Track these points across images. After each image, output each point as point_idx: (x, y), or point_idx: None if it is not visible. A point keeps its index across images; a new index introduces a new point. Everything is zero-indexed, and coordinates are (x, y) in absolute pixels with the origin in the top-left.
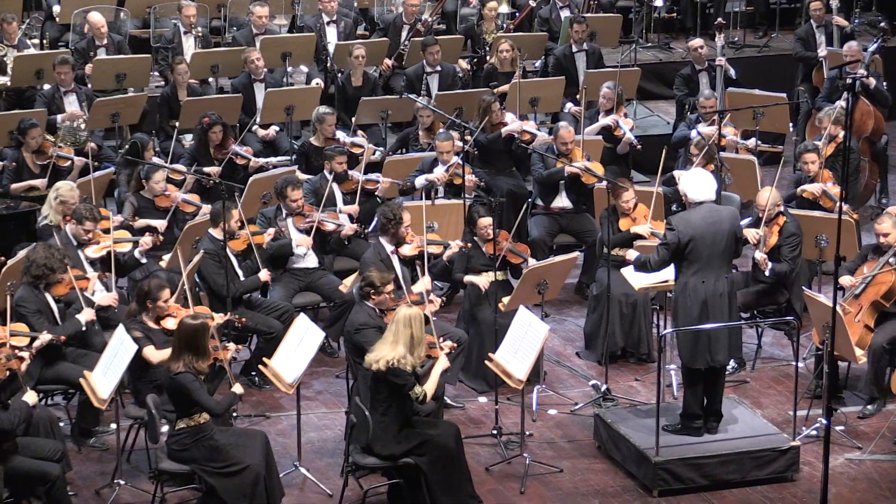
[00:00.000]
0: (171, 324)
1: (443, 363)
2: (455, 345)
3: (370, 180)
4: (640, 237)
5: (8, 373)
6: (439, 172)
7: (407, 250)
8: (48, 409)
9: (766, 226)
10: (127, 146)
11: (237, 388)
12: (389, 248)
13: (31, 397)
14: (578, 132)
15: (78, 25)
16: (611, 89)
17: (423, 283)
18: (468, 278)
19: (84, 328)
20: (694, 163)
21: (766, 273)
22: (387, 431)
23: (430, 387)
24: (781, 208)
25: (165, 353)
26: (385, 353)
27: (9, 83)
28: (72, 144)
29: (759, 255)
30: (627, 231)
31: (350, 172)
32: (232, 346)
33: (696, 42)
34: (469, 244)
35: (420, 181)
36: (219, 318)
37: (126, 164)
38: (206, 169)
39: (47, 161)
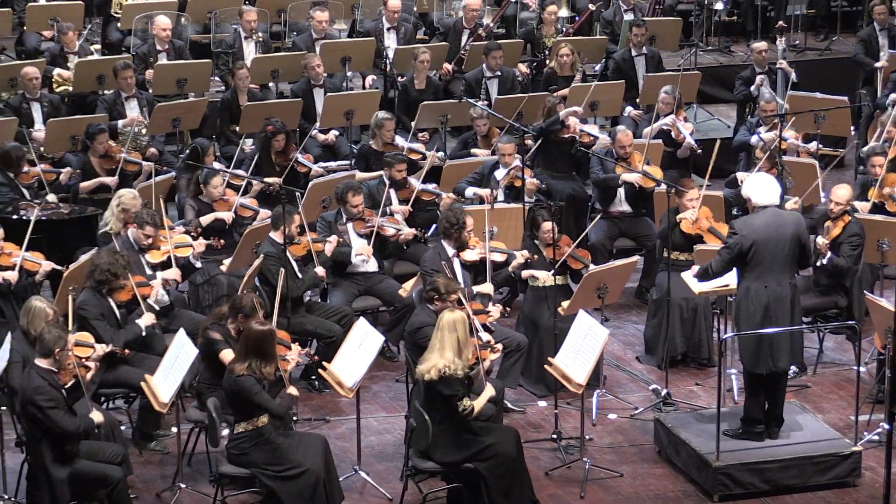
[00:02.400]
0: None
1: (489, 392)
2: (501, 347)
3: (427, 191)
4: (700, 240)
5: (73, 379)
6: (486, 192)
7: (470, 256)
8: (109, 412)
9: (831, 220)
10: (187, 151)
11: (292, 390)
12: (451, 251)
13: (96, 416)
14: (638, 136)
15: (139, 30)
16: (669, 94)
17: (487, 287)
18: (527, 272)
19: (144, 333)
20: (758, 166)
21: (825, 261)
22: (445, 439)
23: (479, 403)
24: (850, 209)
25: None
26: (435, 361)
27: (70, 89)
28: (134, 150)
29: (821, 241)
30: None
31: (409, 180)
32: (294, 355)
33: (760, 45)
34: (536, 256)
35: (469, 192)
36: (296, 349)
37: (186, 168)
38: (268, 179)
39: (114, 166)
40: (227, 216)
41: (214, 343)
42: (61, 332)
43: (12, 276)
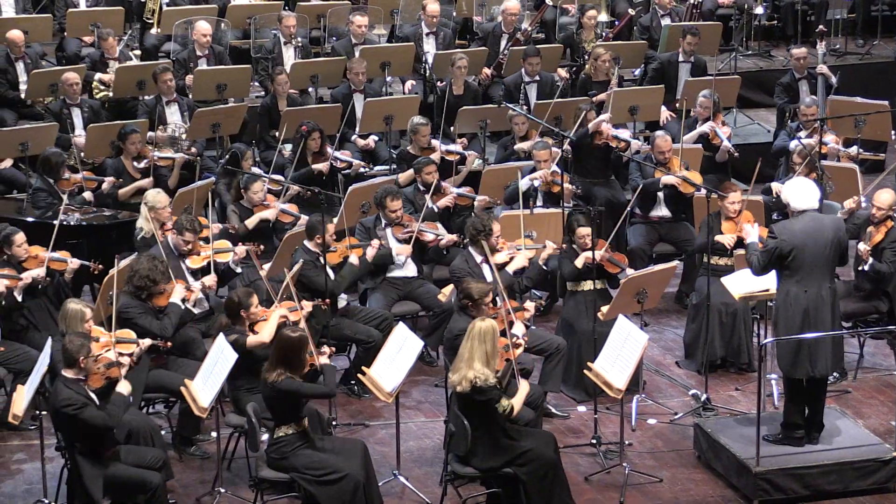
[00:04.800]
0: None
1: (525, 388)
2: (540, 301)
3: (463, 196)
4: (741, 244)
5: (106, 381)
6: (542, 172)
7: (500, 257)
8: (149, 417)
9: (874, 225)
10: (226, 156)
11: (325, 360)
12: (479, 258)
13: (124, 387)
14: (677, 140)
15: (179, 36)
16: (707, 97)
17: (529, 307)
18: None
19: (183, 307)
20: (796, 171)
21: (866, 267)
22: (484, 446)
23: (517, 402)
24: (894, 214)
25: (265, 333)
26: (464, 372)
27: (111, 94)
28: (174, 153)
29: (863, 247)
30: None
31: (444, 185)
32: (327, 349)
33: (801, 51)
34: (564, 245)
35: (525, 183)
36: (307, 305)
37: (225, 173)
38: (315, 165)
39: (147, 165)
40: (271, 213)
41: (235, 341)
42: (83, 339)
43: (40, 272)
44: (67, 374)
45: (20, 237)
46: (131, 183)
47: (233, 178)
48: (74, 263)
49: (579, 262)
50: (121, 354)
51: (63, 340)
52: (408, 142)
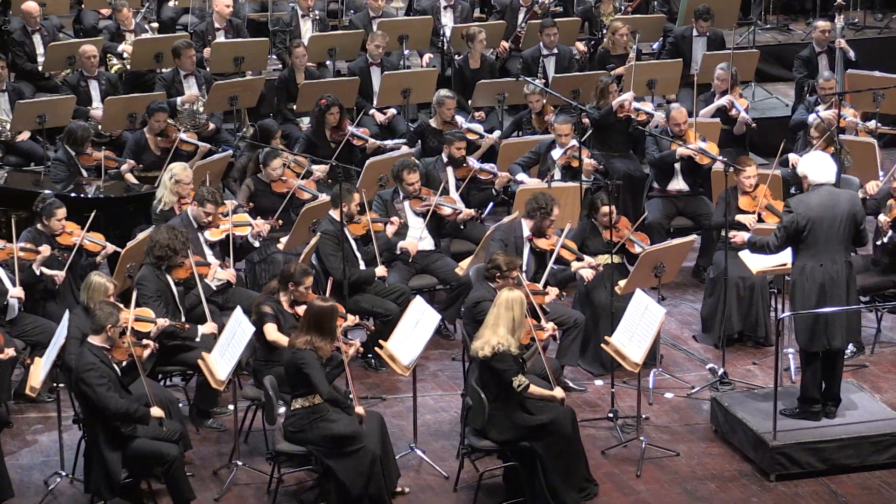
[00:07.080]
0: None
1: (558, 395)
2: (557, 327)
3: (484, 170)
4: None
5: (129, 358)
6: (533, 182)
7: (542, 243)
8: (167, 390)
9: (895, 199)
10: (251, 130)
11: (360, 410)
12: (527, 232)
13: (156, 412)
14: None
15: (197, 9)
16: (724, 70)
17: (553, 293)
18: (578, 272)
19: (199, 339)
20: (814, 145)
21: (885, 239)
22: (501, 417)
23: (536, 388)
24: None
25: (283, 339)
26: (488, 337)
27: (128, 67)
28: (192, 128)
29: (883, 218)
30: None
31: (468, 158)
32: (357, 343)
33: (824, 24)
34: (601, 268)
35: (521, 177)
36: (351, 319)
37: (250, 148)
38: (317, 167)
39: (170, 145)
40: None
41: (263, 316)
42: (113, 308)
43: (59, 276)
44: (94, 340)
45: (62, 211)
46: (151, 158)
47: (255, 153)
48: (109, 249)
49: (576, 267)
50: (139, 334)
51: (93, 307)
52: (429, 114)
